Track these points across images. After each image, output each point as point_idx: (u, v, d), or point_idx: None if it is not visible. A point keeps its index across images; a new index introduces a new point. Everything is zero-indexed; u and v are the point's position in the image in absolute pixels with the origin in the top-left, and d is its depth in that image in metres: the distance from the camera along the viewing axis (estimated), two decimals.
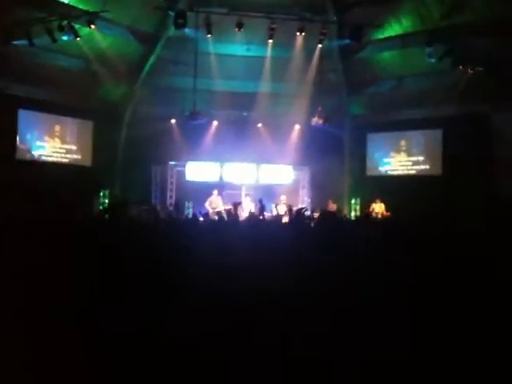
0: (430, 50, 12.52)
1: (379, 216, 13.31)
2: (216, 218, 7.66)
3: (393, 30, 13.60)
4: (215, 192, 14.08)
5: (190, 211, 14.31)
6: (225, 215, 7.13)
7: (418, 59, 13.14)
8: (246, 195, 14.62)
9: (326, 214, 6.58)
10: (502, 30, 11.35)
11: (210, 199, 13.87)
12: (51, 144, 13.92)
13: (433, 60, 12.60)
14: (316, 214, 10.42)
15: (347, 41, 13.61)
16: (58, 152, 14.09)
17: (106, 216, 6.80)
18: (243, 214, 12.23)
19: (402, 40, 13.49)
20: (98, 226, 5.48)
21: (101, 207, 14.05)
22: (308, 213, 14.16)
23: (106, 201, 14.54)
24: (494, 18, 11.43)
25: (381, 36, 13.84)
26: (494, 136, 12.88)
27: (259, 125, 15.43)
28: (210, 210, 12.62)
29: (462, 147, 13.15)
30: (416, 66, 13.69)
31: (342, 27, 13.83)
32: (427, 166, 14.83)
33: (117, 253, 3.53)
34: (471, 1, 11.53)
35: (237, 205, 8.55)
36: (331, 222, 5.66)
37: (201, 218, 7.97)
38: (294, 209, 7.04)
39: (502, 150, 12.60)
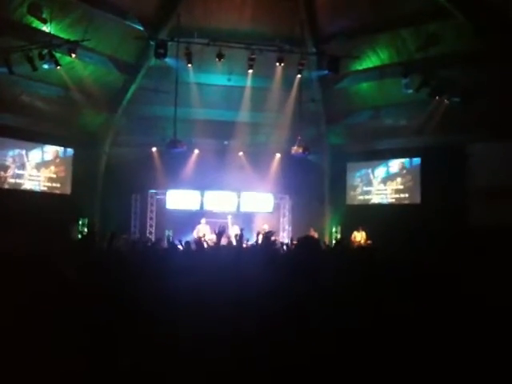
0: (406, 81, 12.79)
1: (361, 244, 13.40)
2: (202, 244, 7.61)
3: (370, 61, 13.92)
4: (203, 220, 14.12)
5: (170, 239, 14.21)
6: (207, 243, 7.09)
7: (396, 90, 13.42)
8: (233, 224, 14.58)
9: (306, 239, 6.56)
10: (475, 62, 11.68)
11: (197, 227, 13.88)
12: (29, 172, 13.79)
13: (409, 91, 12.87)
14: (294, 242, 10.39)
15: (326, 72, 13.86)
16: (36, 180, 13.95)
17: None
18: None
19: (379, 72, 13.81)
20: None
21: (79, 236, 13.89)
22: (286, 240, 14.26)
23: (85, 229, 14.37)
24: (467, 50, 11.76)
25: (359, 67, 14.15)
26: (469, 165, 13.09)
27: (240, 153, 15.50)
28: (196, 238, 12.58)
29: (439, 176, 13.37)
30: (393, 96, 13.97)
31: (320, 58, 14.10)
32: (406, 195, 14.98)
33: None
34: (445, 34, 11.84)
35: (221, 233, 8.49)
36: (311, 245, 5.65)
37: (180, 247, 7.89)
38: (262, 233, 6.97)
39: (478, 178, 12.81)
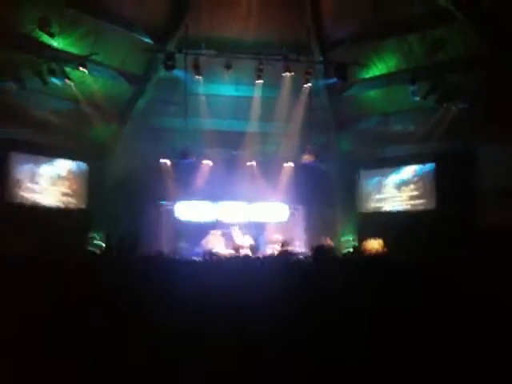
0: (413, 88, 12.79)
1: (378, 251, 13.25)
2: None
3: (377, 69, 13.90)
4: (213, 232, 14.11)
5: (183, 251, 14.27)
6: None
7: (403, 97, 13.41)
8: (245, 234, 14.55)
9: (319, 248, 6.50)
10: (482, 66, 11.64)
11: (207, 239, 13.89)
12: (44, 187, 13.91)
13: (417, 98, 12.86)
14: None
15: (333, 80, 13.88)
16: (51, 195, 14.04)
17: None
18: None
19: (387, 79, 13.79)
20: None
21: (93, 248, 13.92)
22: (301, 249, 14.18)
23: (100, 243, 14.38)
24: (473, 54, 11.73)
25: (366, 75, 14.14)
26: (481, 168, 12.98)
27: (250, 163, 15.51)
28: (205, 250, 12.58)
29: (452, 181, 13.33)
30: (402, 103, 13.95)
31: (328, 67, 14.13)
32: (421, 201, 14.85)
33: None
34: (451, 39, 11.81)
35: (238, 248, 8.48)
36: (324, 254, 5.62)
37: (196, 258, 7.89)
38: (280, 249, 6.95)
39: (488, 181, 12.70)
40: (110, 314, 3.10)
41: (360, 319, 2.89)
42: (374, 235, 13.65)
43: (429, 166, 14.72)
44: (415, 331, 2.72)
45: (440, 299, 3.09)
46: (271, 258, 7.59)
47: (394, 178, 15.46)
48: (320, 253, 5.78)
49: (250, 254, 12.47)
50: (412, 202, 15.07)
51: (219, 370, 2.57)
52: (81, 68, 12.00)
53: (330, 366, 2.52)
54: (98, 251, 11.60)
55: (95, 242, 13.96)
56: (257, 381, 2.53)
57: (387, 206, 15.53)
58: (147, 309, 3.25)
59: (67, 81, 12.06)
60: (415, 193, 15.02)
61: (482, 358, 2.43)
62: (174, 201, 15.20)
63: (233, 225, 14.70)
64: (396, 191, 15.40)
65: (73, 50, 12.10)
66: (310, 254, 6.85)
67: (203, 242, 13.89)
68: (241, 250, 13.06)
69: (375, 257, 8.98)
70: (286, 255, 6.11)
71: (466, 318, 2.81)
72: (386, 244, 13.35)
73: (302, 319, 2.93)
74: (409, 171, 15.18)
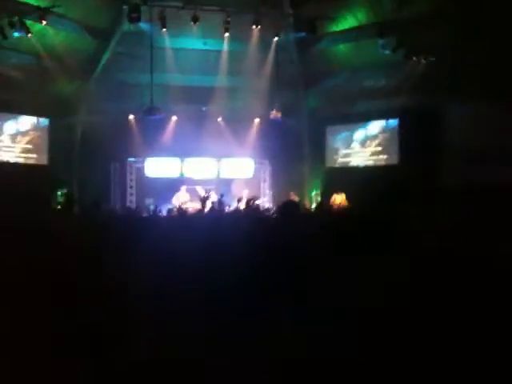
0: (382, 42, 12.79)
1: (340, 205, 13.52)
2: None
3: (347, 22, 13.79)
4: (183, 187, 14.12)
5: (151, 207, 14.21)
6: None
7: (373, 51, 13.37)
8: (211, 190, 14.57)
9: (287, 204, 6.60)
10: (450, 22, 11.67)
11: (177, 194, 13.89)
12: (4, 143, 13.55)
13: (386, 52, 12.88)
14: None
15: (303, 34, 13.74)
16: (11, 151, 13.73)
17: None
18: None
19: (356, 33, 13.70)
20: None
21: (58, 206, 13.75)
22: (267, 205, 14.34)
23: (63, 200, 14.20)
24: (441, 10, 11.72)
25: (336, 29, 14.02)
26: (445, 126, 13.18)
27: (219, 119, 15.38)
28: (177, 206, 12.60)
29: (416, 137, 13.49)
30: (371, 58, 13.91)
31: (297, 20, 13.94)
32: (384, 156, 15.10)
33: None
34: None
35: (205, 200, 8.50)
36: (293, 210, 5.70)
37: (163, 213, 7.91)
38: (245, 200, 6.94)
39: (454, 139, 12.93)
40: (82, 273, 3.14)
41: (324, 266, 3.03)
42: (339, 190, 13.89)
43: (393, 122, 14.89)
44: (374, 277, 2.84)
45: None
46: (238, 213, 7.67)
47: (361, 133, 15.63)
48: (288, 208, 5.88)
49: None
50: (375, 158, 15.32)
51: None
52: (42, 21, 11.50)
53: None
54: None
55: (59, 200, 13.74)
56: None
57: (353, 162, 15.75)
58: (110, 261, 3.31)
59: (28, 35, 11.55)
60: (379, 148, 15.25)
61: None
62: (142, 158, 15.05)
63: (198, 183, 14.72)
64: (361, 146, 15.60)
65: (34, 2, 11.61)
66: (276, 209, 6.97)
67: (173, 198, 13.89)
68: (206, 205, 13.00)
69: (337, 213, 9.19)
70: (252, 211, 6.16)
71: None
72: (348, 198, 13.63)
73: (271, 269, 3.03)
74: (374, 127, 15.35)
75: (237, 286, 2.85)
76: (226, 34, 13.53)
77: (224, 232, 4.46)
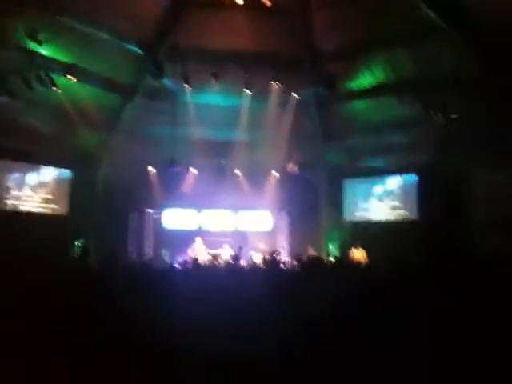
0: (401, 100, 12.88)
1: (360, 261, 13.35)
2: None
3: (366, 80, 13.97)
4: (198, 239, 14.11)
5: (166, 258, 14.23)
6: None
7: (392, 108, 13.48)
8: (225, 243, 14.56)
9: (314, 261, 6.54)
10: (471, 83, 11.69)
11: (192, 246, 13.86)
12: (27, 193, 13.76)
13: (405, 109, 12.95)
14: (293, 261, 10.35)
15: (322, 91, 13.93)
16: (34, 201, 13.91)
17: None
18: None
19: (375, 90, 13.87)
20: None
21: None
22: (284, 258, 14.21)
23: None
24: (463, 70, 11.78)
25: (355, 87, 14.21)
26: (469, 187, 12.93)
27: (236, 171, 15.50)
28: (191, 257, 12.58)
29: (435, 194, 13.42)
30: (390, 114, 13.97)
31: (316, 78, 14.16)
32: (403, 211, 14.98)
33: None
34: (440, 53, 11.88)
35: (216, 257, 8.50)
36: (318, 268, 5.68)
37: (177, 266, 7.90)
38: (267, 257, 6.91)
39: (480, 203, 12.62)
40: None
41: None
42: (358, 244, 13.75)
43: (412, 177, 14.84)
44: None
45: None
46: (258, 268, 7.57)
47: (379, 188, 15.59)
48: (314, 265, 5.86)
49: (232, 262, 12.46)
50: (395, 212, 15.19)
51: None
52: (68, 76, 11.85)
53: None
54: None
55: (76, 250, 13.81)
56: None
57: (371, 216, 15.64)
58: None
59: (54, 88, 11.89)
60: (397, 203, 15.15)
61: None
62: (160, 209, 15.14)
63: (214, 235, 14.76)
64: (379, 201, 15.52)
65: (60, 57, 12.02)
66: (296, 263, 6.89)
67: (189, 250, 13.89)
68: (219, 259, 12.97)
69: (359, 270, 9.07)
70: (274, 266, 6.15)
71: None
72: (367, 254, 13.46)
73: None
74: (393, 182, 15.31)
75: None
76: (246, 91, 13.80)
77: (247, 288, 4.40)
